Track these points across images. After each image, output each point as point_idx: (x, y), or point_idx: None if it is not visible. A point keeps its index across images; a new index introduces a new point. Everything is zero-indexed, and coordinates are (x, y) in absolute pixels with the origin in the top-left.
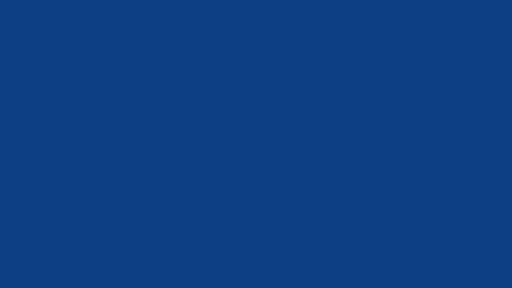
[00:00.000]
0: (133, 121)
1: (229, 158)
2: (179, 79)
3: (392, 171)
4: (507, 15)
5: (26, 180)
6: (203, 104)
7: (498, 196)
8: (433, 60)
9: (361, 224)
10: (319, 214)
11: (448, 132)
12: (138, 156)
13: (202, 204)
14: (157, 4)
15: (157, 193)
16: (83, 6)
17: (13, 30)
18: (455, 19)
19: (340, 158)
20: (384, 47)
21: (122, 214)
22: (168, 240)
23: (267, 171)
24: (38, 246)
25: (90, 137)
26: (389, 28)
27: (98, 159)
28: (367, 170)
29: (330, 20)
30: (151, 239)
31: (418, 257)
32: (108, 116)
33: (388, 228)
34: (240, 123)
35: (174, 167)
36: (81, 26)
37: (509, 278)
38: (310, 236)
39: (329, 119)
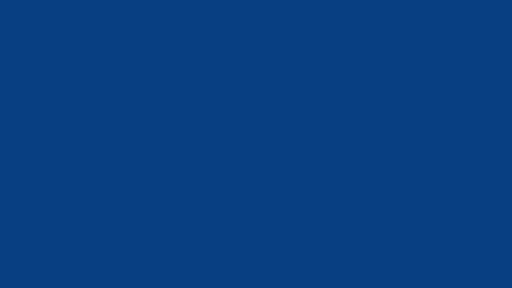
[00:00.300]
0: (134, 121)
1: (230, 158)
2: (179, 79)
3: (392, 171)
4: (507, 15)
5: (26, 180)
6: (203, 104)
7: (498, 196)
8: (433, 60)
9: (361, 224)
10: (319, 214)
11: (448, 132)
12: (138, 156)
13: (203, 204)
14: (157, 4)
15: (157, 193)
16: (83, 6)
17: (13, 30)
18: (455, 19)
19: (340, 158)
20: (384, 47)
21: (122, 214)
22: (168, 240)
23: (267, 171)
24: (38, 246)
25: (90, 137)
26: (390, 28)
27: (98, 159)
28: (367, 170)
29: (330, 20)
30: (151, 239)
31: (418, 257)
32: (108, 116)
33: (388, 228)
34: (240, 123)
35: (174, 167)
36: (81, 26)
37: (509, 278)
38: (310, 236)
39: (329, 119)
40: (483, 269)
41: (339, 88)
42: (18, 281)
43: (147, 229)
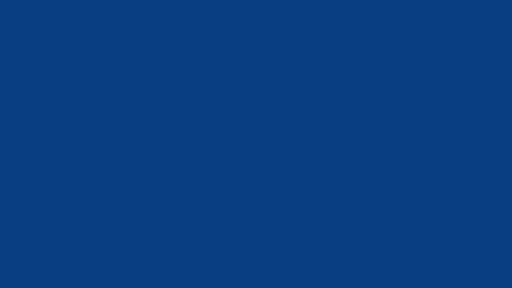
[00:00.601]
0: (134, 121)
1: (230, 158)
2: (179, 79)
3: (392, 171)
4: (507, 15)
5: (26, 180)
6: (203, 104)
7: (498, 196)
8: (433, 60)
9: (361, 224)
10: (319, 214)
11: (448, 132)
12: (138, 156)
13: (203, 204)
14: (157, 4)
15: (157, 193)
16: (83, 6)
17: (13, 30)
18: (455, 19)
19: (340, 158)
20: (384, 47)
21: (122, 214)
22: (168, 240)
23: (267, 171)
24: (38, 246)
25: (90, 137)
26: (390, 28)
27: (98, 159)
28: (367, 170)
29: (330, 20)
30: (151, 239)
31: (418, 257)
32: (108, 116)
33: (388, 228)
34: (240, 123)
35: (174, 167)
36: (81, 26)
37: (509, 278)
38: (310, 236)
39: (329, 119)
40: (483, 269)
41: (339, 88)
42: (18, 281)
43: (147, 229)
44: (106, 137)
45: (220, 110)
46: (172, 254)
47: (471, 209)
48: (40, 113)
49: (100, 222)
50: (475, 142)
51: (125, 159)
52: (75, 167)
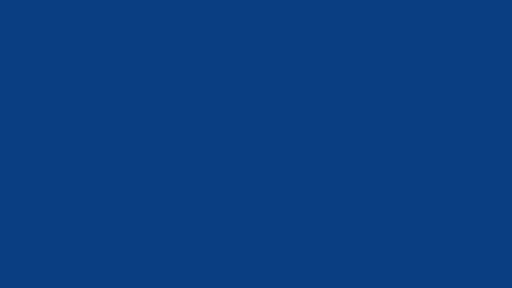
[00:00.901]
0: (134, 121)
1: (230, 158)
2: (179, 79)
3: (392, 171)
4: (507, 15)
5: (26, 180)
6: (203, 104)
7: (498, 196)
8: (433, 60)
9: (361, 224)
10: (319, 214)
11: (448, 132)
12: (138, 156)
13: (203, 204)
14: (157, 4)
15: (157, 193)
16: (83, 6)
17: (13, 30)
18: (455, 19)
19: (340, 158)
20: (384, 47)
21: (122, 214)
22: (168, 240)
23: (267, 171)
24: (38, 246)
25: (90, 137)
26: (390, 28)
27: (98, 159)
28: (367, 170)
29: (330, 20)
30: (151, 239)
31: (418, 257)
32: (108, 116)
33: (388, 228)
34: (240, 123)
35: (174, 167)
36: (81, 26)
37: (509, 278)
38: (310, 236)
39: (329, 119)
40: (483, 269)
41: (339, 88)
42: (18, 281)
43: (147, 229)
44: (106, 136)
45: (220, 110)
46: (172, 254)
47: (471, 209)
48: (40, 113)
49: (100, 222)
50: (475, 142)
51: (125, 159)
52: (75, 167)
